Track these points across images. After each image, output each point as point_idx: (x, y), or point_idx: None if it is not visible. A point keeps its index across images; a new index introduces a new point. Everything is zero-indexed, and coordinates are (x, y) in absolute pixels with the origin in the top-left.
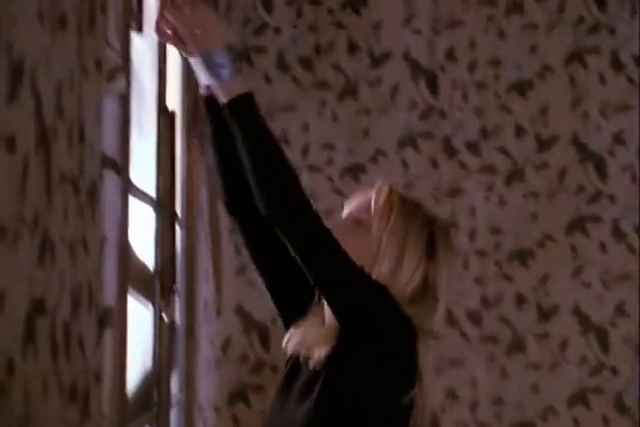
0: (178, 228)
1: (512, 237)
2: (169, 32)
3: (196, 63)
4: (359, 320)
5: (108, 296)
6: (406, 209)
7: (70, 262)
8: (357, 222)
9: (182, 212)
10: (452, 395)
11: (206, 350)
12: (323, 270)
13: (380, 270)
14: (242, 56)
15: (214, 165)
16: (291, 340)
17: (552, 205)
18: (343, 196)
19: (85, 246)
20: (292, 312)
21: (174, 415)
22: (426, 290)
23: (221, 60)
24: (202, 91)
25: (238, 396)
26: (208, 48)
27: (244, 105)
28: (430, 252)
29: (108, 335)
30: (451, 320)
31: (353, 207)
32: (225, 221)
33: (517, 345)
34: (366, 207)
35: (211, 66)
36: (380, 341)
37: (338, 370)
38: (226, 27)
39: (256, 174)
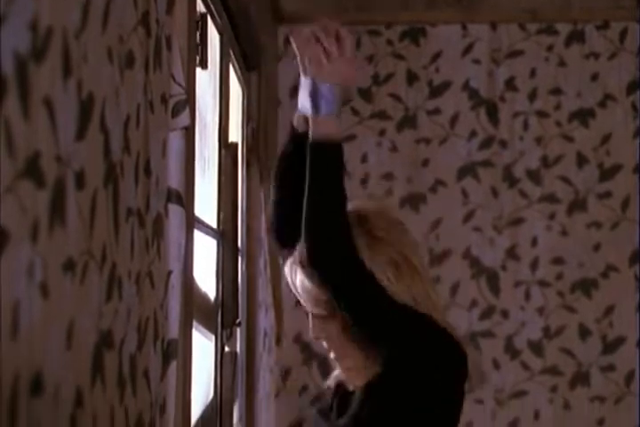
0: (240, 259)
1: (575, 267)
2: (305, 46)
3: (304, 85)
4: (406, 354)
5: (173, 329)
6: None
7: (137, 296)
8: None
9: (243, 243)
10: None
11: (266, 380)
12: (362, 315)
13: None
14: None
15: (272, 186)
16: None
17: (615, 234)
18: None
19: (151, 280)
20: None
21: None
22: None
23: (328, 95)
24: (296, 116)
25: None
26: (325, 79)
27: (330, 152)
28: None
29: (173, 368)
30: (513, 351)
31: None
32: None
33: (581, 378)
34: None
35: (316, 94)
36: (429, 369)
37: (378, 392)
38: (355, 70)
39: (310, 221)
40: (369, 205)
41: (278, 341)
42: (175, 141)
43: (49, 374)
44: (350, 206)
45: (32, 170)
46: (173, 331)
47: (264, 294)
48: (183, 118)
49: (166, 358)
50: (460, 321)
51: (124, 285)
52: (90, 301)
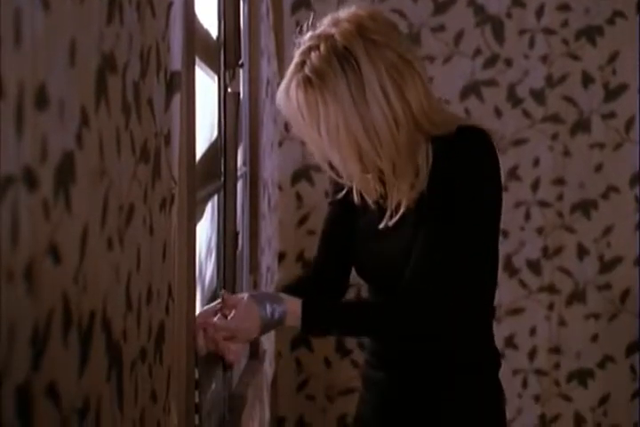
0: (241, 2)
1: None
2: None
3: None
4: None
5: (176, 61)
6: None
7: (138, 23)
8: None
9: None
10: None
11: (269, 127)
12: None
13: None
14: None
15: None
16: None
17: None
18: None
19: (152, 9)
20: None
21: (240, 187)
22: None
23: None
24: None
25: (301, 175)
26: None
27: (315, 324)
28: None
29: (177, 101)
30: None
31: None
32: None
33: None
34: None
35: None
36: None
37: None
38: (258, 318)
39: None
40: (362, 10)
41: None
42: None
43: (53, 88)
44: (343, 14)
45: None
46: (176, 63)
47: (266, 40)
48: None
49: (170, 90)
50: (464, 70)
51: (124, 9)
52: (91, 21)
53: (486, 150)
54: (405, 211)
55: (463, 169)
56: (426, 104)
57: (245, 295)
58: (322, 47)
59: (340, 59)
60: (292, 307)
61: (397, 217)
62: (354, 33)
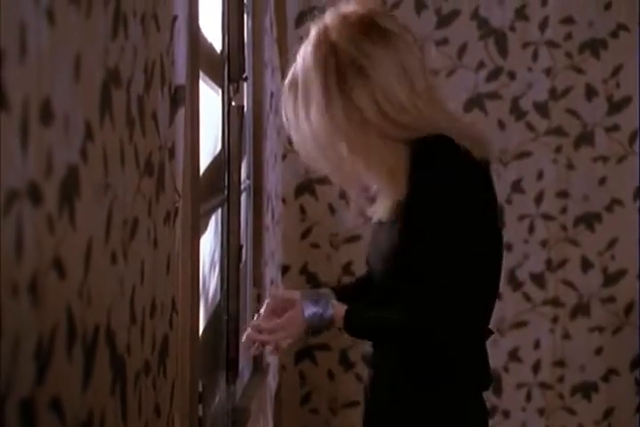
0: (245, 15)
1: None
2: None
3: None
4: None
5: (180, 75)
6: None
7: (142, 37)
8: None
9: None
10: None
11: (273, 139)
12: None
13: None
14: None
15: None
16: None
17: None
18: None
19: (157, 23)
20: None
21: (244, 200)
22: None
23: (317, 324)
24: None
25: (305, 188)
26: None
27: (356, 328)
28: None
29: (181, 114)
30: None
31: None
32: (291, 11)
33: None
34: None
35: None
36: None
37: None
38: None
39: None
40: (344, 12)
41: None
42: None
43: (58, 103)
44: (327, 16)
45: None
46: (180, 77)
47: (270, 53)
48: None
49: (174, 104)
50: (467, 83)
51: (129, 24)
52: (96, 36)
53: (455, 167)
54: (392, 211)
55: (438, 192)
56: (388, 108)
57: (298, 294)
58: (300, 52)
59: (306, 64)
60: (339, 311)
61: (386, 215)
62: (320, 37)
